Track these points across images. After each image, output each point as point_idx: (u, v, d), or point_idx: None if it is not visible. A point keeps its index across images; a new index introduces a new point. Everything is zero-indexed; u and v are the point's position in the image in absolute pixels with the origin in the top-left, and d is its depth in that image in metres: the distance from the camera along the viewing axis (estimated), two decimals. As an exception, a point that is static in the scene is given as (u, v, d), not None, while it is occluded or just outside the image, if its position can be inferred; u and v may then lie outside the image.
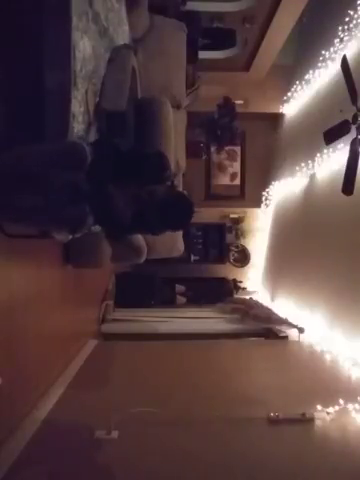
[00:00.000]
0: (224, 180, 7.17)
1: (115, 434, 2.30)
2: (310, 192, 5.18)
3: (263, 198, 6.93)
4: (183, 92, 4.12)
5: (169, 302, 6.18)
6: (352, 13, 4.27)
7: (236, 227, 7.16)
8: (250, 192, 7.08)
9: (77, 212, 1.80)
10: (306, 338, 4.33)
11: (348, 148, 3.29)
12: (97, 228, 2.34)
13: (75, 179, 1.77)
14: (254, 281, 7.05)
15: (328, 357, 3.73)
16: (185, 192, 3.71)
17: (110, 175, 1.88)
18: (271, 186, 6.71)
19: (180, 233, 4.00)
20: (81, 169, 1.78)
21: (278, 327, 4.72)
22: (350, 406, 2.68)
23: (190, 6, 4.76)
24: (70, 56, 1.95)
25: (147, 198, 2.01)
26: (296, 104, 6.05)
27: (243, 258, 7.17)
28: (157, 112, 3.17)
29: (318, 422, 2.56)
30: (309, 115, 5.52)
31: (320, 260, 4.55)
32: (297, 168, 5.44)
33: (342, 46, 4.51)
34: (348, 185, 3.28)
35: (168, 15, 4.06)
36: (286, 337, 4.58)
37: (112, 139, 2.18)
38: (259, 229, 7.12)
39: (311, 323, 4.43)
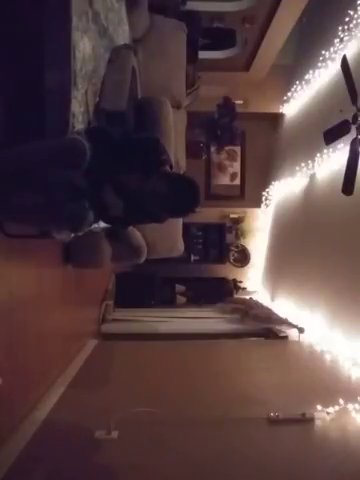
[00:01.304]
0: (224, 180, 7.17)
1: (115, 434, 2.30)
2: (310, 192, 5.18)
3: (263, 198, 6.92)
4: (183, 92, 4.11)
5: (169, 302, 6.17)
6: (352, 13, 4.27)
7: (236, 227, 7.16)
8: (250, 192, 7.07)
9: (77, 209, 1.79)
10: (306, 338, 4.33)
11: (348, 148, 3.29)
12: (97, 227, 2.34)
13: (73, 175, 1.76)
14: (254, 281, 7.05)
15: (328, 357, 3.73)
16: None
17: (110, 167, 1.86)
18: (271, 186, 6.71)
19: (180, 233, 3.99)
20: (81, 165, 1.77)
21: (278, 327, 4.72)
22: (350, 406, 2.68)
23: (190, 6, 4.76)
24: (70, 56, 1.94)
25: (150, 186, 1.97)
26: (296, 104, 6.04)
27: (243, 258, 7.16)
28: (157, 112, 3.17)
29: (318, 422, 2.56)
30: (309, 115, 5.51)
31: (320, 260, 4.55)
32: (297, 168, 5.44)
33: (342, 46, 4.51)
34: (348, 185, 3.28)
35: (168, 15, 4.05)
36: (286, 337, 4.58)
37: (104, 127, 2.15)
38: (259, 229, 7.12)
39: (311, 323, 4.43)
